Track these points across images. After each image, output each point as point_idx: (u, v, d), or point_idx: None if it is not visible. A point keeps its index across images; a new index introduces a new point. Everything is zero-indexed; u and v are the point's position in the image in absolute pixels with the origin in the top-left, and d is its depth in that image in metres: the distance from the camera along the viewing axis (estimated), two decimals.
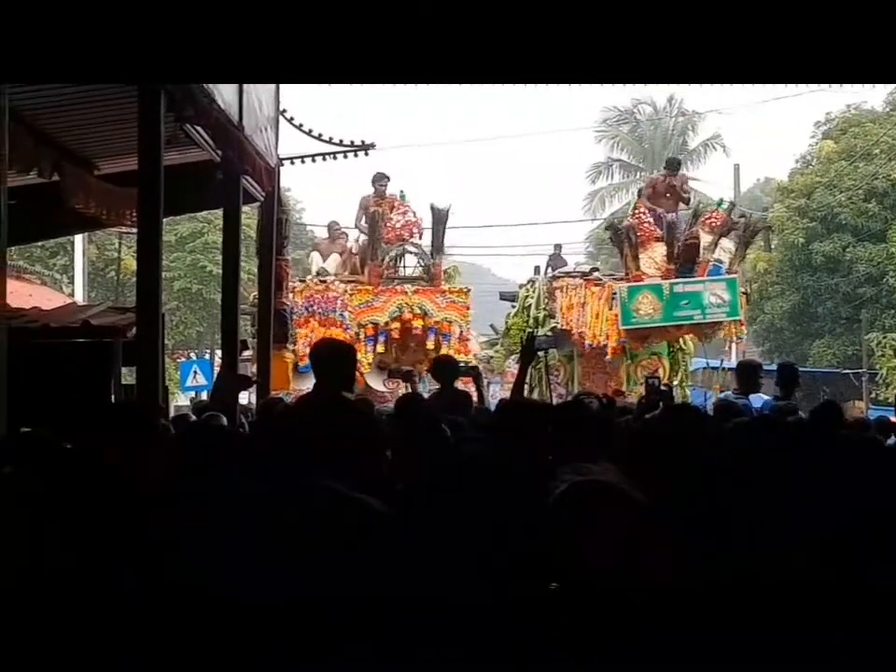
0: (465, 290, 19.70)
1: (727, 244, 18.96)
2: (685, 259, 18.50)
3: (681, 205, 19.93)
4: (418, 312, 18.87)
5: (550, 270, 23.66)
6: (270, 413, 7.05)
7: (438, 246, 19.67)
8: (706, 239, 18.72)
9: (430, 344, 18.72)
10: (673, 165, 21.04)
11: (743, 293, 19.32)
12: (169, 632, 2.64)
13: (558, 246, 26.31)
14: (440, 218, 19.54)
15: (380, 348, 18.89)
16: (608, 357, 19.00)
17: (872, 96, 48.20)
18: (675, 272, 18.43)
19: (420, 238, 19.85)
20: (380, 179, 20.17)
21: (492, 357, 25.97)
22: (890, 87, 34.50)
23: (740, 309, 18.70)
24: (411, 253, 19.58)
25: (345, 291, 19.15)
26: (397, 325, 18.86)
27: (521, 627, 2.58)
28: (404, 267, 19.56)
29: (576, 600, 2.69)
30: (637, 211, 19.50)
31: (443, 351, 17.70)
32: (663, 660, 2.57)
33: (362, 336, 18.74)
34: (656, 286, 18.24)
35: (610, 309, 18.43)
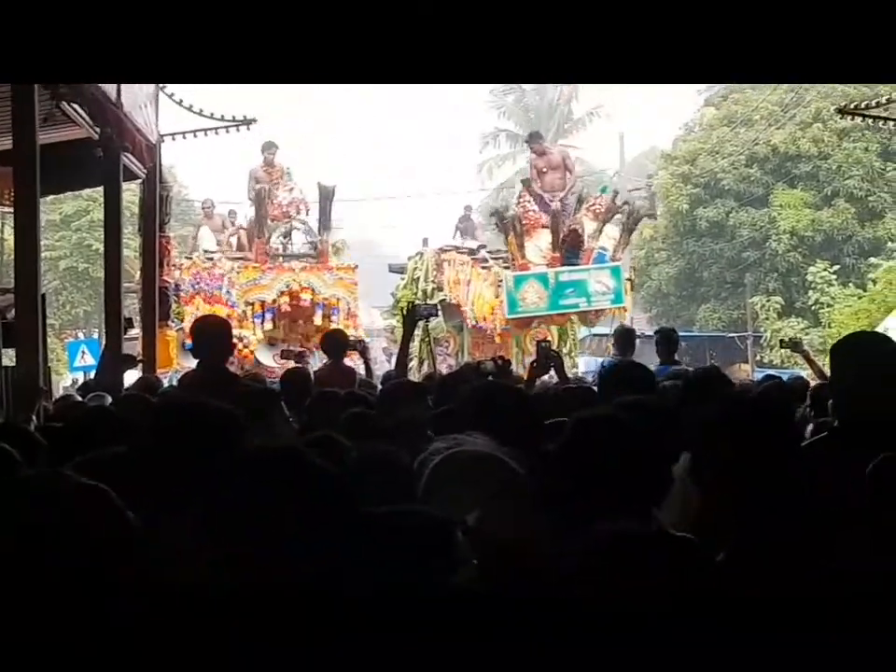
0: (352, 267, 19.68)
1: (611, 230, 19.10)
2: (570, 245, 18.56)
3: (569, 175, 19.90)
4: (306, 286, 18.82)
5: (459, 234, 23.70)
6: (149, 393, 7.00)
7: (325, 223, 19.60)
8: (590, 226, 18.82)
9: (318, 320, 18.66)
10: (533, 138, 20.88)
11: (627, 279, 19.49)
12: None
13: (468, 208, 26.27)
14: (326, 195, 19.48)
15: (268, 325, 18.78)
16: (495, 340, 19.05)
17: None
18: (560, 259, 18.51)
19: (307, 215, 19.79)
20: (269, 148, 20.11)
21: (395, 327, 25.98)
22: None
23: (625, 296, 18.81)
24: (297, 230, 19.52)
25: (232, 269, 19.03)
26: (285, 300, 18.78)
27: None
28: (291, 244, 19.50)
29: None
30: (521, 199, 19.46)
31: (332, 327, 17.69)
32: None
33: (249, 313, 18.63)
34: (541, 275, 18.29)
35: (496, 296, 18.47)
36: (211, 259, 19.52)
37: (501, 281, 18.32)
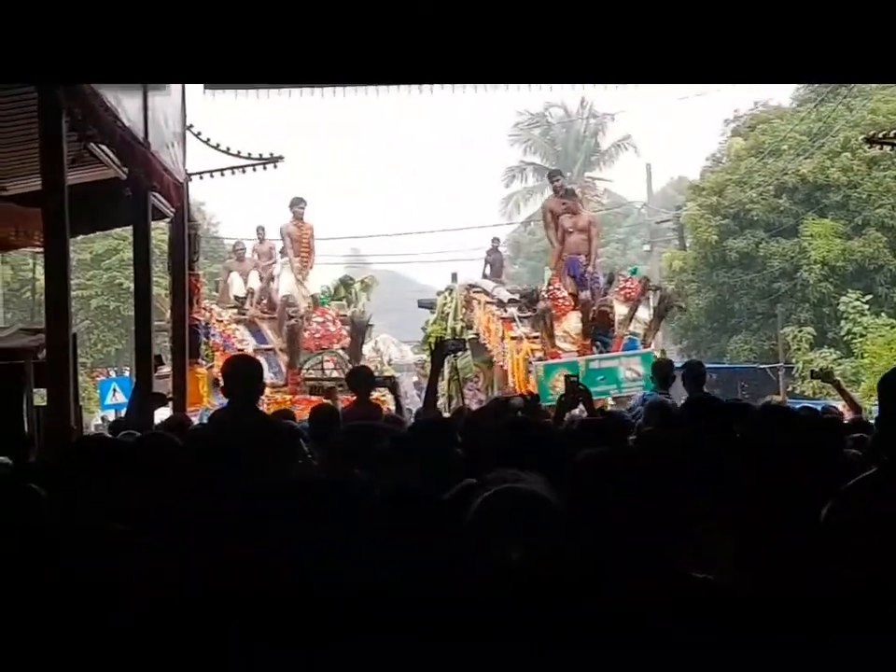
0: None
1: (642, 314, 19.12)
2: (599, 324, 18.59)
3: (595, 207, 19.88)
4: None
5: (488, 267, 23.71)
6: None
7: (356, 355, 19.58)
8: (620, 311, 18.86)
9: None
10: (555, 178, 20.97)
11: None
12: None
13: (496, 240, 26.24)
14: (359, 328, 19.54)
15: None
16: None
17: (778, 93, 49.05)
18: (590, 345, 18.52)
19: (338, 344, 19.80)
20: (297, 203, 20.16)
21: (426, 362, 26.00)
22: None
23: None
24: (329, 360, 19.52)
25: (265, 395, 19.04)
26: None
27: None
28: (322, 370, 19.48)
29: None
30: (551, 287, 19.45)
31: None
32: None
33: None
34: (572, 363, 18.23)
35: (527, 373, 18.42)
36: (243, 314, 19.70)
37: (531, 369, 18.26)
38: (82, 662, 2.94)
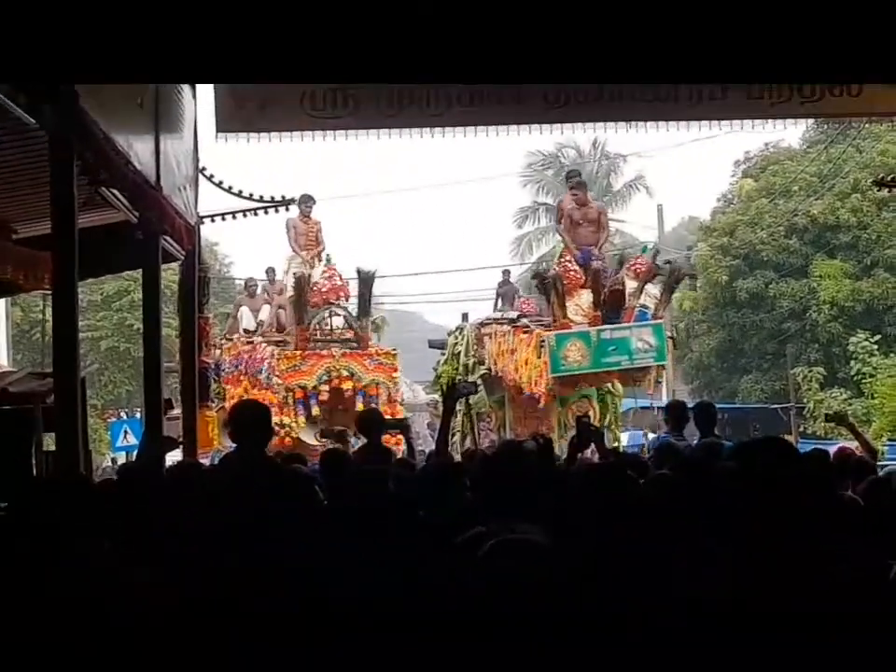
0: (392, 352, 19.74)
1: (652, 289, 19.06)
2: (611, 306, 18.53)
3: (603, 233, 19.90)
4: (346, 375, 18.85)
5: (500, 300, 23.70)
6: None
7: (364, 309, 19.70)
8: (631, 285, 18.78)
9: (360, 406, 18.60)
10: (572, 177, 21.18)
11: (669, 337, 19.39)
12: None
13: (506, 272, 26.27)
14: (366, 281, 19.60)
15: (315, 411, 18.77)
16: (540, 404, 18.96)
17: (788, 134, 49.19)
18: (601, 318, 18.47)
19: (347, 301, 19.89)
20: (306, 201, 20.29)
21: (438, 402, 25.94)
22: (806, 125, 35.00)
23: (667, 353, 18.79)
24: (338, 315, 19.59)
25: (272, 354, 19.11)
26: (325, 387, 18.79)
27: None
28: (331, 329, 19.56)
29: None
30: (562, 259, 19.47)
31: None
32: None
33: (290, 400, 18.65)
34: (584, 333, 18.27)
35: (539, 357, 18.40)
36: (251, 342, 19.64)
37: (543, 342, 18.25)
38: None
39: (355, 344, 19.40)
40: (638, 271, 19.03)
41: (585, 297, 18.75)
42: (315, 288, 19.27)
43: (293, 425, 18.26)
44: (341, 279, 19.83)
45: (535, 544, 3.82)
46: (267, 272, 22.68)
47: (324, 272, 19.76)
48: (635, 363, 18.46)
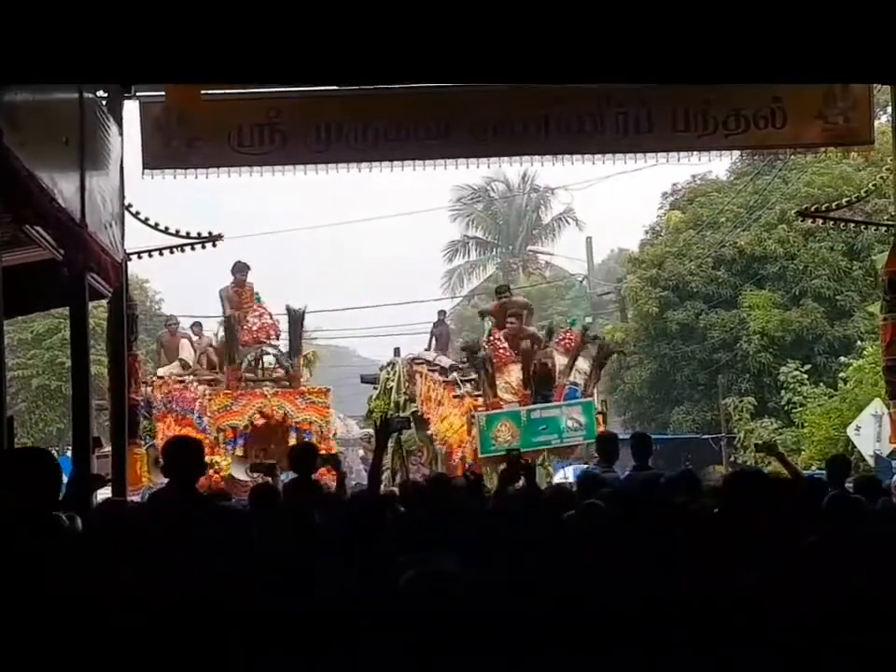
0: (324, 390, 19.77)
1: (582, 364, 19.25)
2: (540, 379, 18.69)
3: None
4: (278, 413, 18.85)
5: (434, 340, 23.76)
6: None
7: (295, 348, 19.69)
8: (560, 361, 18.97)
9: (293, 440, 18.59)
10: (500, 291, 21.65)
11: (599, 413, 19.49)
12: None
13: (442, 312, 26.36)
14: (295, 320, 19.61)
15: (239, 451, 18.74)
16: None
17: (715, 166, 49.66)
18: (531, 395, 18.61)
19: (277, 339, 19.87)
20: (241, 270, 20.21)
21: (371, 436, 25.92)
22: (733, 156, 35.30)
23: (596, 430, 18.88)
24: (269, 354, 19.58)
25: (204, 394, 19.04)
26: (260, 420, 18.75)
27: None
28: (262, 369, 19.55)
29: None
30: (492, 338, 19.66)
31: None
32: None
33: (221, 440, 18.59)
34: (514, 413, 18.44)
35: (469, 433, 18.46)
36: (182, 381, 19.55)
37: (474, 417, 18.29)
38: None
39: (286, 383, 19.39)
40: (567, 346, 19.25)
41: (515, 374, 18.92)
42: (245, 328, 19.23)
43: (223, 464, 18.20)
44: (271, 317, 19.82)
45: (449, 575, 4.02)
46: (192, 327, 22.66)
47: (254, 310, 19.72)
48: (564, 441, 18.63)
